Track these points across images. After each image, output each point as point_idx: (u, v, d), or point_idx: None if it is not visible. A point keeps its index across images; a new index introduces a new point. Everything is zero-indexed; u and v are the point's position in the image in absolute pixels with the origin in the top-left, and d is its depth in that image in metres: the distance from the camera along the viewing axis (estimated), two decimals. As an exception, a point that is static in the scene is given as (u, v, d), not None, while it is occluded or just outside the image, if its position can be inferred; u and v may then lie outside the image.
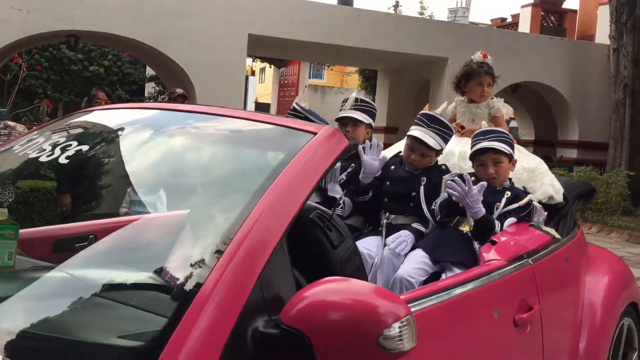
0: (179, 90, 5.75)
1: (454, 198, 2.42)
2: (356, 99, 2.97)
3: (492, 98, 3.24)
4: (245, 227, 1.26)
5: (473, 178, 2.48)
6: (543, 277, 2.15)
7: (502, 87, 11.82)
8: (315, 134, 1.53)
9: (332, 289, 1.19)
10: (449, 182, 2.43)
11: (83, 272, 1.39)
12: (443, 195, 2.61)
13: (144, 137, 1.77)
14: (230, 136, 1.70)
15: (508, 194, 2.57)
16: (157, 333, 1.12)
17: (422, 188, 2.68)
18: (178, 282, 1.22)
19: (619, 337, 2.69)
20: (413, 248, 2.51)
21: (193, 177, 1.62)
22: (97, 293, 1.25)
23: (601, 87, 13.18)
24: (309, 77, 24.11)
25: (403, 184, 2.72)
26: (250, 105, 24.13)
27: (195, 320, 1.11)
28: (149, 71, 16.40)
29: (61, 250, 1.88)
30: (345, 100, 3.01)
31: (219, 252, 1.22)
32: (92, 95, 4.77)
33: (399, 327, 1.14)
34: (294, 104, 2.83)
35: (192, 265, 1.24)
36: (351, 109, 2.94)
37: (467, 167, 2.85)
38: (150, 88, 15.82)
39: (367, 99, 3.04)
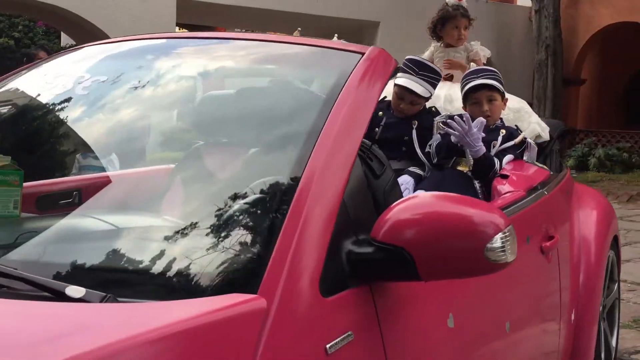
0: None
1: (452, 138, 2.39)
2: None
3: (469, 42, 3.22)
4: (320, 150, 1.15)
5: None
6: (556, 208, 2.16)
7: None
8: (362, 54, 1.42)
9: (423, 203, 1.11)
10: (449, 121, 2.39)
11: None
12: (436, 137, 2.58)
13: (166, 70, 1.58)
14: (272, 61, 1.55)
15: (503, 132, 2.56)
16: (248, 263, 1.01)
17: (414, 132, 2.63)
18: (264, 212, 1.11)
19: (606, 269, 2.77)
20: (414, 191, 2.47)
21: (244, 112, 1.46)
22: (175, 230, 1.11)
23: (524, 48, 13.61)
24: (233, 47, 23.56)
25: (394, 129, 2.66)
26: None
27: (289, 246, 1.00)
28: (65, 40, 15.50)
29: (46, 207, 1.72)
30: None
31: (296, 178, 1.11)
32: (32, 55, 4.41)
33: (502, 238, 1.08)
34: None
35: (276, 190, 1.12)
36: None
37: (454, 109, 2.82)
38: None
39: (350, 44, 2.93)
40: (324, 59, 1.50)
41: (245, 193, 1.17)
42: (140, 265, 1.04)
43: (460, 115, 2.36)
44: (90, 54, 1.81)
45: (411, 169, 2.59)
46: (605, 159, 11.75)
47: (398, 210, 1.10)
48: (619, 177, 10.92)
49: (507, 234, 1.08)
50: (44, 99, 1.60)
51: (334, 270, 1.06)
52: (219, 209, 1.12)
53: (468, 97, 2.63)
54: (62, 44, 17.05)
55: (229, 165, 1.34)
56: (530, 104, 13.91)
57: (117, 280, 0.99)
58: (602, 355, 2.68)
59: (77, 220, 1.30)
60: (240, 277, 0.99)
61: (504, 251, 1.08)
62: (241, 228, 1.09)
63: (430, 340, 1.27)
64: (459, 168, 2.53)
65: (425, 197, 1.13)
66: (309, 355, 0.97)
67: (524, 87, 13.57)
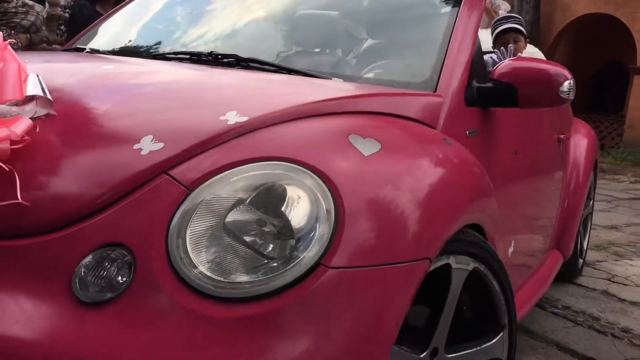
0: None
1: (490, 61, 3.09)
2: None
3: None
4: (458, 29, 1.84)
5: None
6: (564, 117, 2.92)
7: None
8: None
9: (523, 59, 1.83)
10: (495, 51, 3.10)
11: None
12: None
13: None
14: None
15: (525, 65, 3.30)
16: (431, 76, 1.71)
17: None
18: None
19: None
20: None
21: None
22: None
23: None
24: None
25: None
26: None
27: (450, 73, 1.71)
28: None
29: None
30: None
31: (448, 36, 1.81)
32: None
33: (568, 83, 1.79)
34: None
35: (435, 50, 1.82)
36: None
37: (484, 49, 3.55)
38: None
39: None
40: None
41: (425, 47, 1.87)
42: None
43: (506, 48, 3.07)
44: None
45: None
46: (569, 139, 12.76)
47: (504, 65, 1.80)
48: (580, 156, 11.94)
49: (570, 81, 1.80)
50: None
51: (469, 94, 1.76)
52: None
53: (498, 37, 3.34)
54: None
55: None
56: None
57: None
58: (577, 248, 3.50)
59: None
60: (425, 83, 1.69)
61: (569, 92, 1.80)
62: (420, 54, 1.81)
63: (506, 160, 2.01)
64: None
65: (524, 58, 1.84)
66: (460, 135, 1.67)
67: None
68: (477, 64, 1.88)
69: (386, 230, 1.15)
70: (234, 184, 1.12)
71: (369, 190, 1.18)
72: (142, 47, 2.06)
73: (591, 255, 4.28)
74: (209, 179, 1.12)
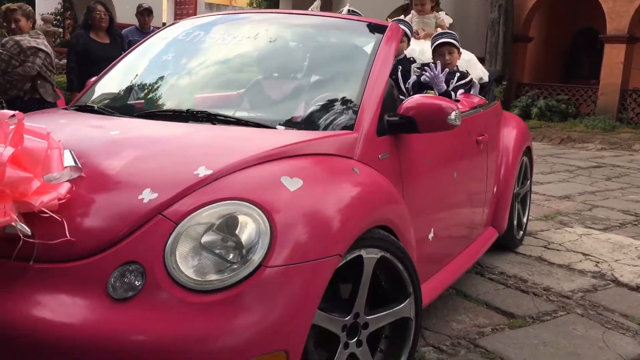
0: (145, 5, 6.42)
1: (423, 79, 3.71)
2: (349, 11, 4.15)
3: (438, 11, 4.55)
4: (372, 79, 2.46)
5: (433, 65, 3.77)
6: (487, 119, 3.54)
7: (394, 8, 13.32)
8: (386, 26, 2.73)
9: (423, 96, 2.45)
10: (426, 67, 3.71)
11: None
12: (413, 77, 3.90)
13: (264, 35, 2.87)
14: (334, 28, 2.85)
15: (458, 74, 3.90)
16: (350, 119, 2.34)
17: (399, 72, 3.95)
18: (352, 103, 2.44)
19: (520, 168, 4.20)
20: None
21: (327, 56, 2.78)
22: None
23: (480, 8, 14.97)
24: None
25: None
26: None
27: (363, 112, 2.34)
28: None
29: None
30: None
31: (363, 87, 2.44)
32: (91, 9, 5.44)
33: (454, 113, 2.42)
34: (349, 9, 4.05)
35: (353, 92, 2.45)
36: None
37: (425, 59, 4.15)
38: (56, 4, 15.55)
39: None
40: (367, 28, 2.81)
41: (345, 94, 2.50)
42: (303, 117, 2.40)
43: (435, 64, 3.68)
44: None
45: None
46: (546, 109, 13.35)
47: (409, 101, 2.43)
48: (556, 125, 12.55)
49: (456, 112, 2.42)
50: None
51: (380, 127, 2.39)
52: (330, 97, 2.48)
53: (436, 50, 3.95)
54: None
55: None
56: (483, 59, 15.23)
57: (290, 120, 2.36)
58: (515, 223, 4.15)
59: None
60: (346, 124, 2.32)
61: (455, 119, 2.42)
62: (343, 101, 2.43)
63: (419, 169, 2.63)
64: (428, 98, 3.87)
65: (421, 96, 2.46)
66: (374, 159, 2.30)
67: (478, 43, 14.99)
68: (388, 99, 2.50)
69: (304, 239, 1.79)
70: (205, 217, 1.76)
71: (293, 214, 1.81)
72: (137, 104, 2.69)
73: (537, 226, 4.93)
74: (189, 215, 1.75)
